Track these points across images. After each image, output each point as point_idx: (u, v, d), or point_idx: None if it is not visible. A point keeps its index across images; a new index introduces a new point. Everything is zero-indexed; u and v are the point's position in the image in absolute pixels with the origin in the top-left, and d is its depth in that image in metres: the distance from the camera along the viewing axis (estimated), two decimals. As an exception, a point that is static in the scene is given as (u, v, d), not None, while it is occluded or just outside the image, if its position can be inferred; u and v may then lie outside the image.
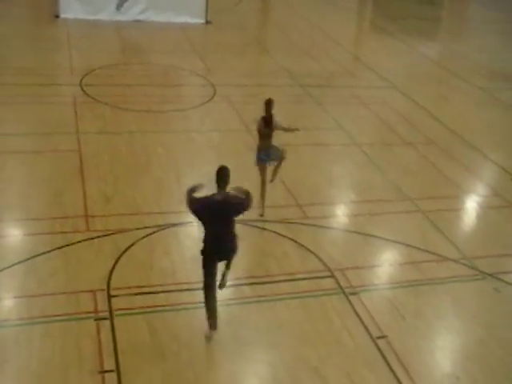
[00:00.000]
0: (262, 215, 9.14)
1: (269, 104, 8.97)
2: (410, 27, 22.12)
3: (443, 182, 10.99)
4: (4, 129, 11.13)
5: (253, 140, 11.59)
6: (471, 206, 10.52)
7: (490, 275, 8.45)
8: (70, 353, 6.33)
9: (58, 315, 6.84)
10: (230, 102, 13.36)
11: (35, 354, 6.29)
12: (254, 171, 10.44)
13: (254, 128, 12.00)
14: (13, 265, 7.58)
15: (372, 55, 18.20)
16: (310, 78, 15.45)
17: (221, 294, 6.78)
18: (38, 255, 7.80)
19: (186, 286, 7.52)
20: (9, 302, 7.02)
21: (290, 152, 11.23)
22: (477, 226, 10.02)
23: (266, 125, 8.97)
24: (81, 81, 13.56)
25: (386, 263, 8.69)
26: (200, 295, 6.82)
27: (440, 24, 24.94)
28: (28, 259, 7.72)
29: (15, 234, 8.39)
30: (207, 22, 19.22)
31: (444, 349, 7.17)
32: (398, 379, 6.55)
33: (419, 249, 8.85)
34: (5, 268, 7.51)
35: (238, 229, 8.76)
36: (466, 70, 17.70)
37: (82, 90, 13.16)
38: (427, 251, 8.81)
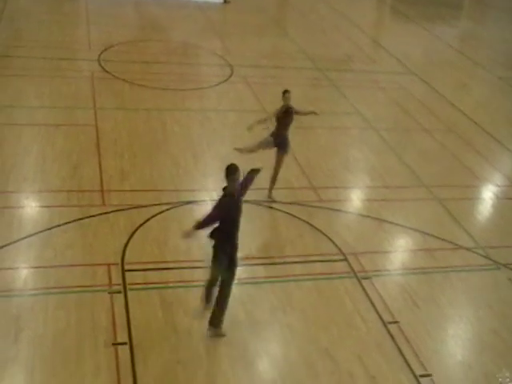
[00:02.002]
0: (269, 197, 9.12)
1: (286, 95, 8.90)
2: (431, 13, 21.85)
3: (460, 170, 10.93)
4: (23, 101, 11.16)
5: (269, 122, 11.59)
6: (487, 195, 10.44)
7: (505, 265, 8.42)
8: (84, 324, 6.39)
9: (73, 287, 6.90)
10: (247, 82, 13.30)
11: (50, 324, 6.35)
12: (268, 152, 10.45)
13: (271, 108, 12.06)
14: (30, 235, 7.64)
15: (392, 40, 18.05)
16: (328, 61, 15.33)
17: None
18: (55, 227, 7.86)
19: (199, 264, 7.54)
20: (25, 272, 7.08)
21: (306, 135, 11.29)
22: (492, 215, 9.95)
23: (285, 115, 8.91)
24: (99, 56, 13.55)
25: (400, 249, 8.67)
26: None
27: (462, 11, 24.61)
28: (45, 230, 7.78)
29: (33, 206, 8.43)
30: (226, 2, 19.10)
31: (456, 337, 7.17)
32: (408, 365, 6.56)
33: (434, 236, 8.82)
34: (22, 238, 7.57)
35: (253, 209, 8.89)
36: (487, 58, 17.50)
37: (100, 65, 13.14)
38: (442, 239, 8.78)
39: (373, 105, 13.19)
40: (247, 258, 7.76)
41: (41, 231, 7.76)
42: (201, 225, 5.99)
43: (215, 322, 6.47)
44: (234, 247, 6.33)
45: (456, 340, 7.13)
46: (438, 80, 15.05)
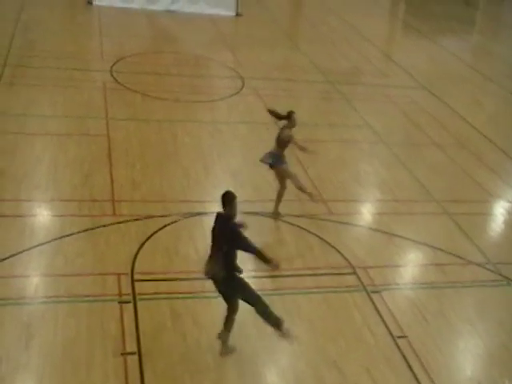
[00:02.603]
0: (274, 214, 9.02)
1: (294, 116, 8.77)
2: (443, 28, 21.90)
3: (471, 185, 10.90)
4: (36, 110, 11.26)
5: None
6: (499, 211, 10.40)
7: (515, 281, 8.39)
8: (94, 333, 6.42)
9: (83, 295, 6.94)
10: (258, 94, 13.36)
11: (60, 332, 6.38)
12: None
13: (281, 122, 12.11)
14: (41, 244, 7.70)
15: (404, 54, 18.08)
16: (339, 74, 15.39)
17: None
18: (66, 236, 7.91)
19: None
20: (36, 280, 7.12)
21: (316, 147, 11.28)
22: (503, 231, 9.91)
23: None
24: (111, 67, 13.67)
25: (410, 263, 8.66)
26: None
27: (474, 25, 24.64)
28: (56, 239, 7.83)
29: (44, 214, 8.50)
30: (238, 15, 19.23)
31: (465, 352, 7.13)
32: (417, 379, 6.53)
33: (444, 251, 8.79)
34: (33, 246, 7.63)
35: (262, 221, 8.91)
36: (499, 73, 17.51)
37: (113, 76, 13.26)
38: (452, 254, 8.76)
39: (384, 118, 13.21)
40: (256, 270, 7.81)
41: (52, 240, 7.81)
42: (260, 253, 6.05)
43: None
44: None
45: (465, 355, 7.10)
46: (449, 95, 15.04)
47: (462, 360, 7.04)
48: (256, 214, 9.01)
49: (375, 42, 18.98)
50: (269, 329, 6.83)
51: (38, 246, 7.65)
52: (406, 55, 17.95)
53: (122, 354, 6.20)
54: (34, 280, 7.11)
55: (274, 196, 9.04)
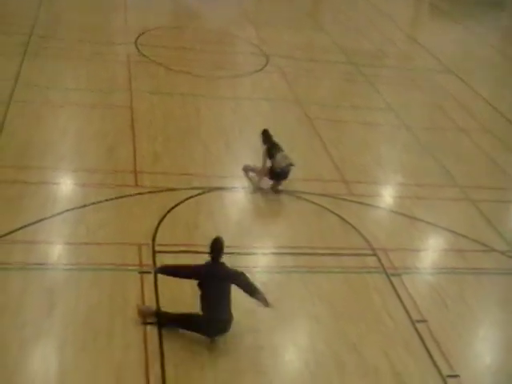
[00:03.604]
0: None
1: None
2: (471, 11, 21.42)
3: (496, 171, 10.77)
4: (61, 83, 11.21)
5: (302, 112, 11.57)
6: (522, 198, 10.29)
7: (538, 270, 8.30)
8: (115, 302, 6.44)
9: (105, 264, 6.96)
10: (282, 72, 13.24)
11: (82, 300, 6.41)
12: (302, 140, 10.44)
13: (304, 100, 12.04)
14: (64, 211, 7.72)
15: (430, 37, 17.75)
16: (363, 56, 15.18)
17: (263, 261, 6.75)
18: (89, 205, 7.92)
19: (227, 250, 7.49)
20: (59, 248, 7.15)
21: (339, 128, 11.24)
22: (526, 219, 9.81)
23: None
24: (136, 40, 13.58)
25: (431, 248, 8.59)
26: (241, 259, 7.02)
27: (503, 9, 24.11)
28: (79, 208, 7.85)
29: (68, 183, 8.51)
30: (262, -8, 19.00)
31: (485, 339, 7.09)
32: (435, 364, 6.49)
33: (466, 237, 8.71)
34: (57, 214, 7.66)
35: (283, 199, 8.88)
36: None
37: (137, 48, 13.18)
38: (474, 240, 8.67)
39: (407, 102, 13.04)
40: (277, 246, 7.79)
41: (75, 208, 7.83)
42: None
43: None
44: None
45: (485, 342, 7.06)
46: (475, 79, 14.80)
47: (480, 348, 6.99)
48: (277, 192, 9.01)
49: (400, 24, 18.70)
50: (288, 306, 6.86)
51: (61, 213, 7.68)
52: (433, 38, 17.63)
53: (142, 324, 6.22)
54: (56, 247, 7.13)
55: (295, 174, 8.99)
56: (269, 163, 8.87)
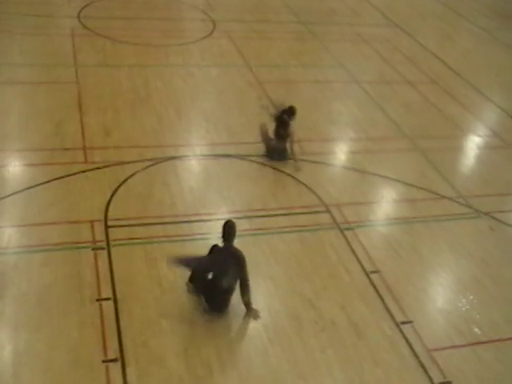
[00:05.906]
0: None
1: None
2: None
3: (443, 121, 10.96)
4: (3, 59, 10.95)
5: (252, 76, 11.54)
6: (470, 146, 10.51)
7: (486, 214, 8.55)
8: (69, 280, 6.44)
9: (57, 244, 6.92)
10: (230, 37, 13.13)
11: (35, 281, 6.39)
12: (253, 107, 10.45)
13: (253, 63, 11.99)
14: (13, 193, 7.62)
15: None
16: (312, 14, 15.14)
17: (218, 227, 6.80)
18: (38, 185, 7.83)
19: (184, 219, 7.60)
20: (9, 230, 7.07)
21: (289, 88, 11.25)
22: (475, 165, 10.03)
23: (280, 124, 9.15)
24: (79, 13, 13.27)
25: (382, 200, 8.74)
26: (197, 227, 7.02)
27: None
28: (27, 188, 7.76)
29: (15, 164, 8.36)
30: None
31: (437, 284, 7.30)
32: (390, 312, 6.70)
33: (416, 186, 8.91)
34: (5, 196, 7.56)
35: (235, 162, 8.91)
36: (471, 9, 17.35)
37: (80, 22, 12.89)
38: (424, 189, 8.87)
39: (356, 58, 13.11)
40: (232, 211, 7.86)
41: (24, 189, 7.74)
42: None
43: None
44: None
45: (437, 288, 7.27)
46: (421, 32, 14.94)
47: (433, 292, 7.21)
48: (229, 156, 9.02)
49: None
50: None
51: (9, 195, 7.59)
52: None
53: (97, 300, 6.23)
54: (6, 230, 7.05)
55: (247, 138, 9.03)
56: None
